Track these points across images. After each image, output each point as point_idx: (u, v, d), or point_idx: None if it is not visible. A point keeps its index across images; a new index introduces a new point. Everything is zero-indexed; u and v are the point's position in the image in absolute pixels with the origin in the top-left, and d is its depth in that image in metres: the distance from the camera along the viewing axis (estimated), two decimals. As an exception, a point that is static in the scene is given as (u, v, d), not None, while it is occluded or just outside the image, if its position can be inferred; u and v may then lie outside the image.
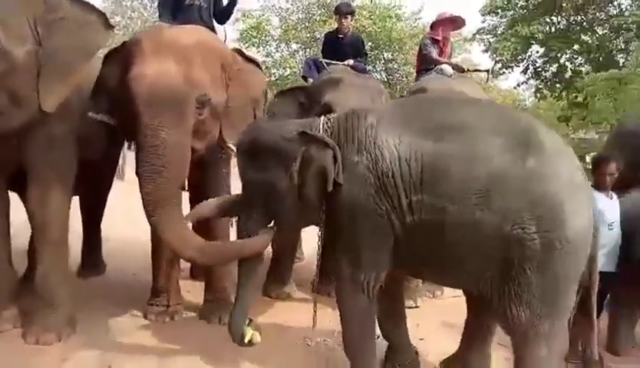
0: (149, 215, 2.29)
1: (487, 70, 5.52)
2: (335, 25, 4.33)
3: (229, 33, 3.65)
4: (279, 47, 16.97)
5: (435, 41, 4.09)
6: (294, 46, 17.51)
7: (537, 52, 12.39)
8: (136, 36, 2.66)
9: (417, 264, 2.06)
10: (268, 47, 16.63)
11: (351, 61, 3.89)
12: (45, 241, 2.64)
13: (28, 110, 2.32)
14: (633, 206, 2.78)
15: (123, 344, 2.66)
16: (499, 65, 13.10)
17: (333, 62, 3.89)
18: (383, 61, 15.85)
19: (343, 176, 1.94)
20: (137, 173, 2.33)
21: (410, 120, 1.97)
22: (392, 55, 15.64)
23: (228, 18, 3.54)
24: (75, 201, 3.03)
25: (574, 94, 11.12)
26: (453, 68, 3.91)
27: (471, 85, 3.86)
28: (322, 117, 2.14)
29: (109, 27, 2.59)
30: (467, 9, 7.65)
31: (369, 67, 14.94)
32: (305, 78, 4.00)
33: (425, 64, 4.09)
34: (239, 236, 2.21)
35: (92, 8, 2.56)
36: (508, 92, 17.13)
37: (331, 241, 2.08)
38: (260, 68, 3.02)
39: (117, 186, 4.05)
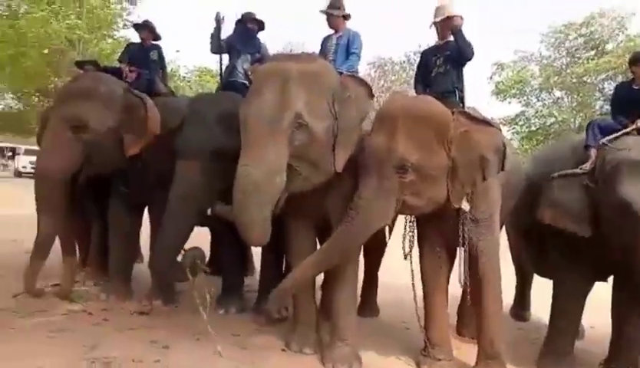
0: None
1: None
2: (631, 76, 3.57)
3: (483, 87, 3.68)
4: (540, 96, 15.95)
5: None
6: (557, 93, 16.18)
7: None
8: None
9: None
10: (527, 97, 15.83)
11: None
12: (339, 281, 3.11)
13: (325, 172, 2.89)
14: None
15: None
16: None
17: (622, 128, 3.22)
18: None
19: None
20: None
21: None
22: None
23: (471, 51, 3.42)
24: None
25: None
26: None
27: None
28: None
29: (372, 96, 3.08)
30: None
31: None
32: (587, 147, 3.23)
33: None
34: None
35: (362, 81, 3.13)
36: None
37: None
38: (492, 126, 2.98)
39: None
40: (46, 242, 3.46)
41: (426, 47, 3.77)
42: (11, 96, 24.34)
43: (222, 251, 4.24)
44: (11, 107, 26.49)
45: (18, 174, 20.25)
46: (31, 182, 3.52)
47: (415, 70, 3.82)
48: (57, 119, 3.43)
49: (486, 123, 2.96)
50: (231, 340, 3.27)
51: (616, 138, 3.13)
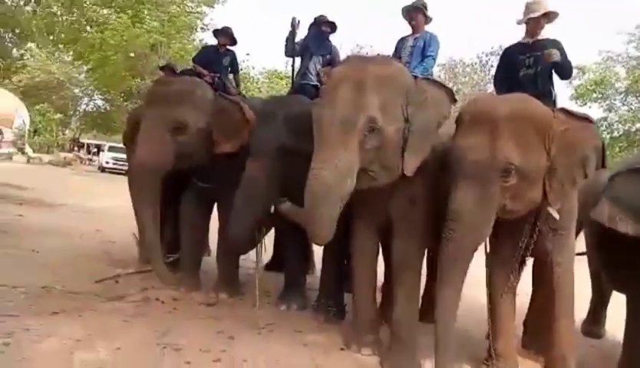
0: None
1: None
2: None
3: (562, 90, 3.48)
4: (625, 100, 14.79)
5: None
6: (647, 98, 14.93)
7: None
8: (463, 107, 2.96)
9: None
10: (611, 100, 14.73)
11: None
12: (401, 283, 3.11)
13: (393, 173, 2.87)
14: None
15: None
16: None
17: None
18: None
19: None
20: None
21: None
22: None
23: (570, 72, 3.42)
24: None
25: None
26: None
27: None
28: None
29: (454, 100, 2.99)
30: None
31: None
32: None
33: None
34: None
35: (443, 85, 3.06)
36: None
37: None
38: (592, 123, 2.82)
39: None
40: (152, 233, 3.71)
41: (510, 45, 3.57)
42: (100, 97, 26.53)
43: (285, 249, 4.35)
44: (99, 107, 28.89)
45: (102, 169, 21.91)
46: (114, 177, 3.82)
47: (496, 69, 3.68)
48: (156, 120, 3.67)
49: (586, 119, 2.82)
50: (292, 335, 3.35)
51: None
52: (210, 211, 4.32)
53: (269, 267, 5.07)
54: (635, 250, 2.81)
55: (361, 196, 2.95)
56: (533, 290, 3.54)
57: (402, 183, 2.95)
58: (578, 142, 2.69)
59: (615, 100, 14.84)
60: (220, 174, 3.84)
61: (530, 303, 3.59)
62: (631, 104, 14.55)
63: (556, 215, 2.75)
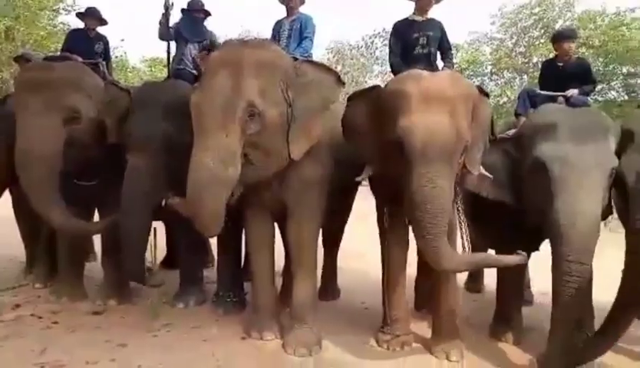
0: (428, 246, 2.54)
1: None
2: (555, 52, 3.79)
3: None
4: (492, 77, 16.40)
5: None
6: (507, 75, 16.67)
7: None
8: (395, 83, 2.78)
9: None
10: (481, 78, 16.23)
11: (571, 92, 3.40)
12: (299, 266, 3.14)
13: (280, 159, 2.84)
14: None
15: (357, 365, 2.95)
16: None
17: (550, 94, 3.44)
18: (621, 77, 13.68)
19: None
20: (410, 213, 2.59)
21: None
22: (632, 69, 13.42)
23: (450, 59, 3.63)
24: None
25: None
26: None
27: None
28: None
29: (341, 84, 3.00)
30: None
31: (602, 86, 13.10)
32: (517, 115, 3.54)
33: None
34: None
35: (328, 68, 3.06)
36: None
37: None
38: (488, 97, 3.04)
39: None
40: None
41: (400, 21, 3.55)
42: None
43: (178, 245, 4.15)
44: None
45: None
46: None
47: (391, 45, 3.57)
48: (44, 107, 3.20)
49: (485, 94, 3.00)
50: (190, 332, 3.22)
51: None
52: (91, 213, 3.95)
53: (164, 264, 4.81)
54: (495, 210, 3.09)
55: (252, 185, 2.89)
56: (418, 256, 3.76)
57: (294, 168, 2.94)
58: (484, 117, 2.87)
59: (485, 77, 16.38)
60: (98, 170, 3.53)
61: (418, 268, 3.84)
62: (497, 81, 16.18)
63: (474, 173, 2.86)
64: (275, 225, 3.40)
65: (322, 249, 4.22)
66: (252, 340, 3.18)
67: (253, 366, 2.89)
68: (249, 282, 3.47)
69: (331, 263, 4.31)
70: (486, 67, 16.24)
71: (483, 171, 2.86)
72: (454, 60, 3.99)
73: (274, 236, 3.39)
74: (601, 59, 12.87)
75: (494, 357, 3.11)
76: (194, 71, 4.12)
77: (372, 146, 2.87)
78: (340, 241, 4.35)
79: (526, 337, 3.37)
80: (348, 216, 4.32)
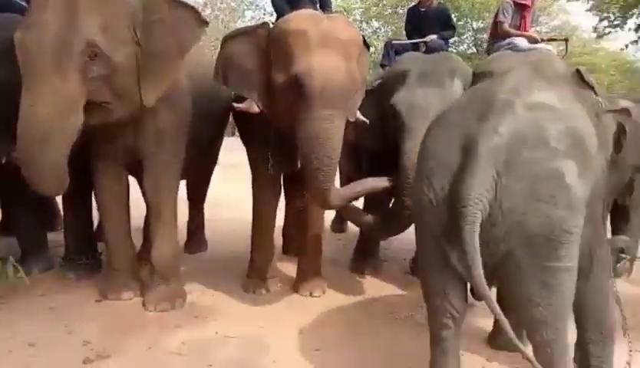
0: (321, 186, 2.48)
1: (565, 39, 4.32)
2: None
3: None
4: (361, 26, 16.79)
5: (520, 6, 3.62)
6: (375, 24, 17.18)
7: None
8: (292, 23, 2.59)
9: None
10: (356, 25, 16.50)
11: (430, 37, 3.62)
12: (158, 220, 2.96)
13: (131, 104, 2.56)
14: None
15: (226, 311, 2.94)
16: (604, 23, 11.88)
17: (407, 42, 3.61)
18: (471, 32, 15.02)
19: None
20: (304, 156, 2.51)
21: None
22: (481, 24, 14.78)
23: (330, 6, 3.57)
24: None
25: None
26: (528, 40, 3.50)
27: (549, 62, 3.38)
28: None
29: (203, 23, 2.74)
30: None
31: (455, 39, 14.22)
32: (383, 66, 3.67)
33: (500, 34, 3.67)
34: None
35: (187, 6, 2.73)
36: (616, 54, 15.42)
37: None
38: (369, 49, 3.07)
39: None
40: None
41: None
42: None
43: (14, 207, 3.60)
44: None
45: None
46: None
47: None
48: None
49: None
50: (36, 301, 2.91)
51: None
52: None
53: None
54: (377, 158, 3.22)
55: (101, 133, 2.64)
56: (286, 203, 3.83)
57: (149, 116, 2.70)
58: (365, 65, 2.91)
59: (359, 24, 16.66)
60: None
61: (285, 215, 3.91)
62: (366, 30, 16.62)
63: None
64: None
65: (188, 202, 4.08)
66: (109, 301, 2.98)
67: (109, 327, 2.69)
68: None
69: (197, 215, 4.18)
70: (355, 16, 16.56)
71: (360, 117, 2.85)
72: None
73: (128, 189, 3.14)
74: (455, 14, 13.93)
75: (354, 289, 3.33)
76: (23, 3, 3.46)
77: (259, 87, 2.72)
78: (205, 193, 4.23)
79: (383, 268, 3.68)
80: (214, 168, 4.19)
